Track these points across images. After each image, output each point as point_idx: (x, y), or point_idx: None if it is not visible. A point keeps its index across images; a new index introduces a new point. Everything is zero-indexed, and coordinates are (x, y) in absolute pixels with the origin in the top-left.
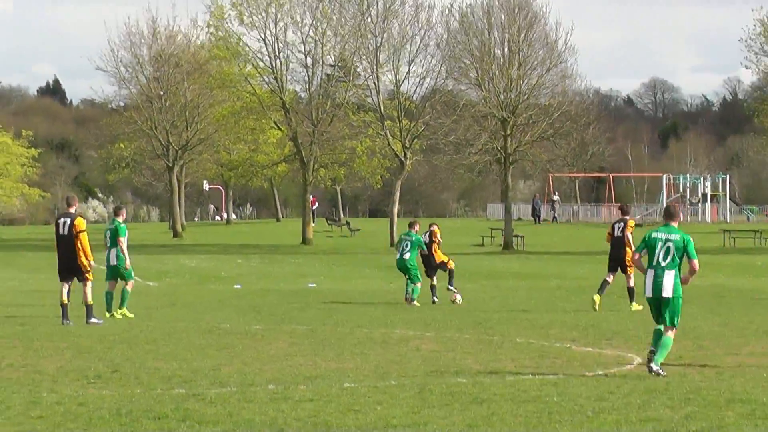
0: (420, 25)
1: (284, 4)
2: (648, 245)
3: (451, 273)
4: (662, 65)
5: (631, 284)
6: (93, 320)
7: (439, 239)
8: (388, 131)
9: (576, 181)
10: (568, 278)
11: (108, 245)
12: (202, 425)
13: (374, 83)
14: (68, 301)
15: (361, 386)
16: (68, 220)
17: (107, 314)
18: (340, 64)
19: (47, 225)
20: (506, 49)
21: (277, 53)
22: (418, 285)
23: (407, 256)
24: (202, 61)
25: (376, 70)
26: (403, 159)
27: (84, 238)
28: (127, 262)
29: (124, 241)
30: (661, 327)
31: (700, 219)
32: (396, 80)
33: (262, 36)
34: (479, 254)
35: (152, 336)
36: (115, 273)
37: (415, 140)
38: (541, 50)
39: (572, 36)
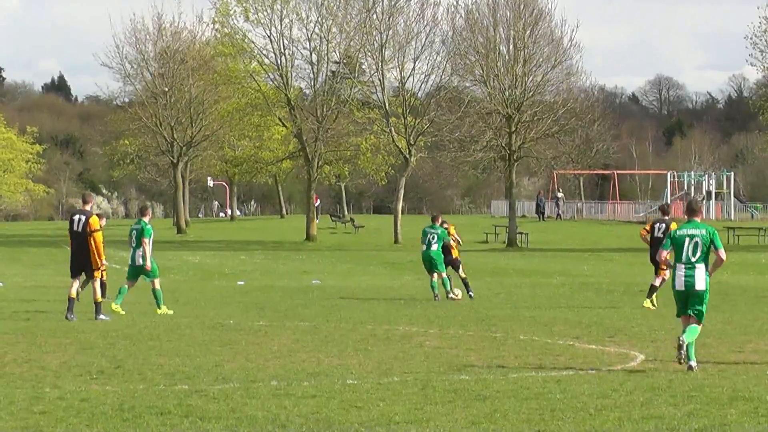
0: (425, 22)
1: (289, 0)
2: (675, 242)
3: (464, 280)
4: (667, 63)
5: (657, 283)
6: (101, 317)
7: (457, 237)
8: (392, 128)
9: (580, 179)
10: (572, 275)
11: (133, 245)
12: (204, 421)
13: (379, 80)
14: (76, 297)
15: (363, 383)
16: (83, 217)
17: (114, 305)
18: (345, 61)
19: (51, 221)
20: (511, 46)
21: (282, 50)
22: (444, 275)
23: (435, 247)
24: (207, 58)
25: (381, 66)
26: (407, 156)
27: (98, 237)
28: (148, 262)
29: (148, 242)
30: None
31: (704, 216)
32: (401, 77)
33: (268, 33)
34: (483, 251)
35: (155, 332)
36: (139, 272)
37: (420, 137)
38: (547, 47)
39: (578, 33)
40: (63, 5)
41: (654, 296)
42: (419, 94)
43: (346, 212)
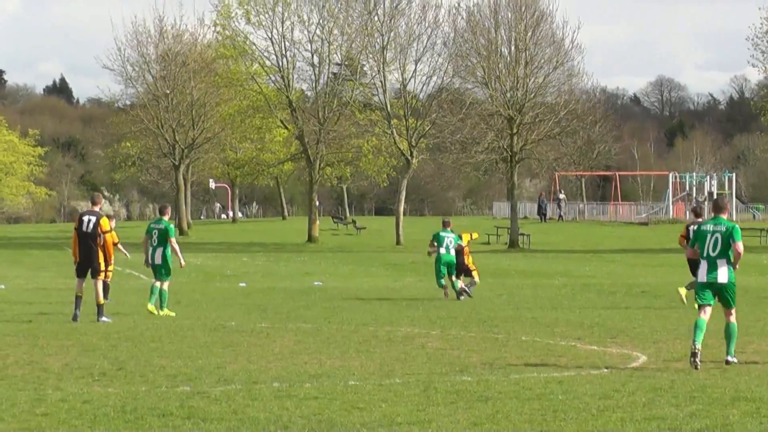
0: (427, 24)
1: (291, 2)
2: (698, 239)
3: (472, 283)
4: (669, 64)
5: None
6: (103, 319)
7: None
8: (394, 130)
9: (582, 180)
10: (574, 276)
11: (154, 244)
12: (206, 422)
13: (381, 82)
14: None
15: (365, 384)
16: (93, 218)
17: (164, 311)
18: (346, 63)
19: (53, 223)
20: (513, 48)
21: (283, 52)
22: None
23: (453, 252)
24: (208, 60)
25: (383, 68)
26: (409, 157)
27: (110, 239)
28: (182, 260)
29: (174, 240)
30: (703, 319)
31: (706, 217)
32: (403, 79)
33: (269, 35)
34: (485, 252)
35: (157, 334)
36: (156, 270)
37: (422, 139)
38: (548, 49)
39: (579, 34)
40: (64, 7)
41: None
42: (421, 96)
43: (347, 214)
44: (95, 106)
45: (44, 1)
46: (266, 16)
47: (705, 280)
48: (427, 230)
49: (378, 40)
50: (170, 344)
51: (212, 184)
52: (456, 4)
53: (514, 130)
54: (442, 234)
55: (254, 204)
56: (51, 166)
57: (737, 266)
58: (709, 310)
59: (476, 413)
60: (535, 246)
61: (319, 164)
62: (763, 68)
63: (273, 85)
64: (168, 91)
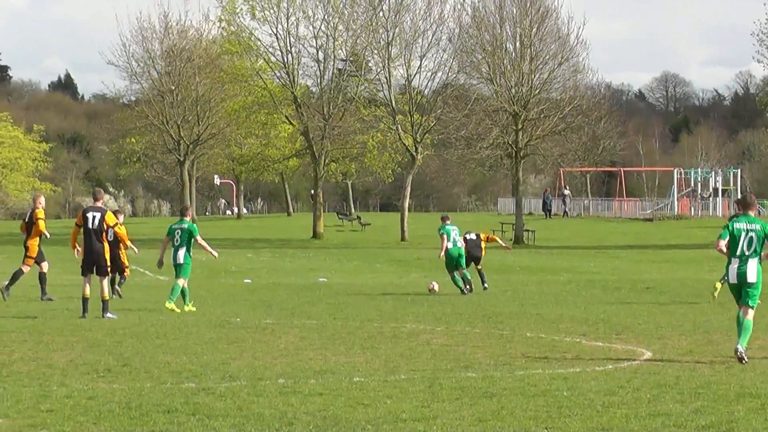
0: (432, 20)
1: None
2: (732, 235)
3: (480, 273)
4: (674, 59)
5: None
6: (108, 315)
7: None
8: (399, 126)
9: (587, 176)
10: (579, 272)
11: (177, 244)
12: (211, 419)
13: (386, 78)
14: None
15: (370, 380)
16: (98, 215)
17: (186, 307)
18: (351, 59)
19: (58, 219)
20: (518, 44)
21: (288, 48)
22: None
23: (460, 244)
24: (213, 56)
25: (388, 64)
26: (414, 153)
27: (120, 230)
28: (214, 252)
29: (200, 239)
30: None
31: (711, 213)
32: (407, 75)
33: (274, 30)
34: (490, 248)
35: (162, 330)
36: (176, 269)
37: (427, 135)
38: (553, 44)
39: (584, 30)
40: (69, 3)
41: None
42: (426, 92)
43: (352, 210)
44: (100, 102)
45: None
46: (271, 11)
47: (735, 281)
48: (432, 226)
49: (383, 35)
50: (175, 340)
51: (217, 180)
52: (461, 0)
53: (519, 126)
54: (449, 228)
55: (259, 200)
56: (56, 162)
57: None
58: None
59: (481, 409)
60: (540, 242)
61: (324, 160)
62: None
63: (278, 80)
64: (173, 87)
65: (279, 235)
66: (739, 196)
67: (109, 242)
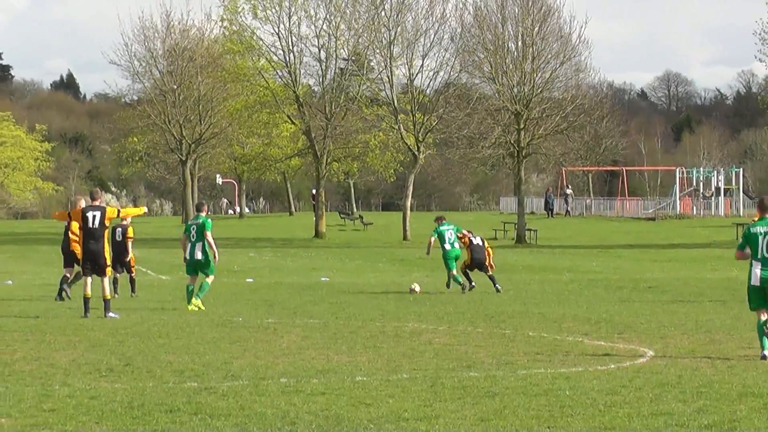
0: (434, 19)
1: None
2: (749, 241)
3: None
4: (676, 59)
5: None
6: (110, 314)
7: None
8: (401, 125)
9: (589, 175)
10: (581, 272)
11: (193, 240)
12: (214, 418)
13: (388, 77)
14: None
15: (373, 380)
16: (98, 214)
17: (190, 307)
18: (353, 58)
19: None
20: (520, 43)
21: (290, 47)
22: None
23: (458, 245)
24: (215, 55)
25: (390, 63)
26: (416, 153)
27: (126, 211)
28: (216, 254)
29: (210, 234)
30: (763, 318)
31: (713, 212)
32: (409, 74)
33: (276, 30)
34: (492, 248)
35: (164, 329)
36: (198, 267)
37: (429, 134)
38: (555, 44)
39: (586, 29)
40: (71, 3)
41: None
42: (428, 91)
43: (354, 209)
44: (102, 102)
45: None
46: (273, 11)
47: (758, 284)
48: (434, 226)
49: (385, 35)
50: (177, 340)
51: (219, 180)
52: None
53: (521, 125)
54: (442, 229)
55: (261, 199)
56: (58, 162)
57: None
58: (765, 312)
59: (483, 409)
60: (542, 241)
61: (326, 159)
62: None
63: (280, 80)
64: (175, 86)
65: (281, 234)
66: (758, 199)
67: (117, 242)
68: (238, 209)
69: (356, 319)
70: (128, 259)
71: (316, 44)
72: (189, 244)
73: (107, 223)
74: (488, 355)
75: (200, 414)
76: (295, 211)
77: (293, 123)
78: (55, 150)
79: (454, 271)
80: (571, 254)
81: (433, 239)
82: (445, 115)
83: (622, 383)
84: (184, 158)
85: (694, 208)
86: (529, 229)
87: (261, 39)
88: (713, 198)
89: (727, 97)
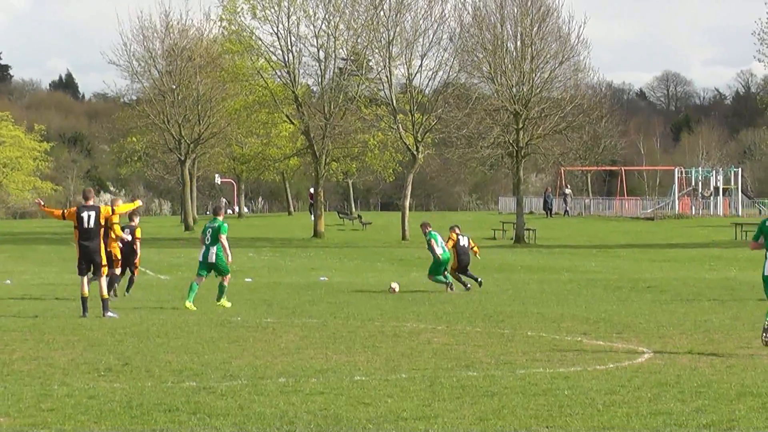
0: (433, 19)
1: None
2: (764, 232)
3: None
4: (675, 59)
5: None
6: (109, 314)
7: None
8: (400, 125)
9: (588, 175)
10: (580, 272)
11: (208, 242)
12: (212, 418)
13: (387, 77)
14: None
15: (371, 379)
16: (92, 213)
17: (187, 303)
18: (352, 58)
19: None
20: (519, 43)
21: (289, 47)
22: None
23: (447, 248)
24: (214, 55)
25: (389, 63)
26: (415, 152)
27: (121, 207)
28: (230, 257)
29: (224, 238)
30: None
31: (712, 212)
32: (408, 74)
33: (275, 30)
34: (491, 247)
35: (163, 329)
36: (212, 269)
37: (428, 134)
38: (554, 43)
39: (585, 29)
40: (70, 3)
41: None
42: (427, 91)
43: (353, 209)
44: (101, 101)
45: None
46: (272, 10)
47: None
48: (434, 225)
49: (384, 35)
50: (176, 339)
51: (218, 179)
52: None
53: (520, 125)
54: (434, 233)
55: (260, 199)
56: (57, 161)
57: None
58: None
59: (482, 408)
60: (540, 241)
61: (325, 159)
62: None
63: (279, 80)
64: (174, 86)
65: (280, 234)
66: None
67: (126, 242)
68: (237, 209)
69: (355, 318)
70: (136, 259)
71: (315, 44)
72: (204, 247)
73: (102, 222)
74: (487, 354)
75: (199, 413)
76: (294, 211)
77: (292, 123)
78: (54, 150)
79: (433, 277)
80: (569, 254)
81: (433, 242)
82: (443, 115)
83: (620, 383)
84: (183, 158)
85: (693, 208)
86: (528, 229)
87: (260, 39)
88: (712, 198)
89: (726, 97)
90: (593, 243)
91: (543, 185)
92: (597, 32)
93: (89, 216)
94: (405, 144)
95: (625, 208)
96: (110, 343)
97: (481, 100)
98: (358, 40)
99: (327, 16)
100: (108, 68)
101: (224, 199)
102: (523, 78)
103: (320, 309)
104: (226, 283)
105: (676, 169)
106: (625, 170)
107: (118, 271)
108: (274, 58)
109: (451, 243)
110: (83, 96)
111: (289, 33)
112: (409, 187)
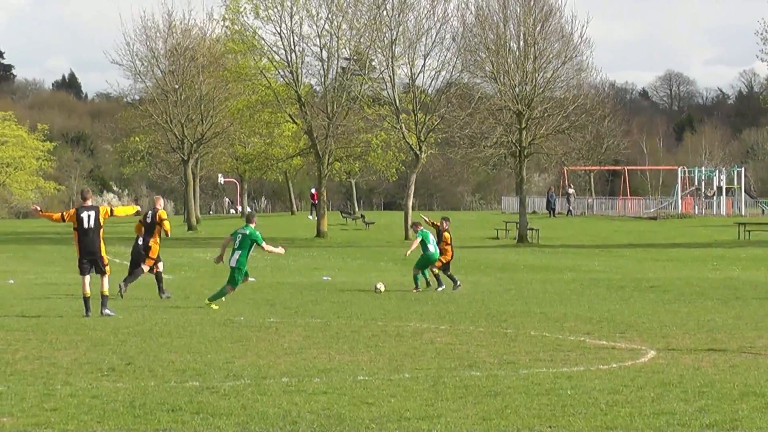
0: (435, 19)
1: None
2: None
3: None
4: (678, 58)
5: None
6: (106, 311)
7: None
8: (403, 124)
9: (591, 174)
10: (583, 271)
11: (236, 247)
12: (215, 418)
13: (389, 76)
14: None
15: (374, 379)
16: (92, 213)
17: (211, 305)
18: (355, 58)
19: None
20: (522, 42)
21: (292, 47)
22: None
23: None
24: (217, 55)
25: (392, 63)
26: (418, 152)
27: (119, 210)
28: (279, 250)
29: (265, 245)
30: None
31: (714, 212)
32: (411, 73)
33: (278, 29)
34: (494, 247)
35: (166, 329)
36: (230, 273)
37: (430, 133)
38: (557, 43)
39: (588, 29)
40: (73, 2)
41: None
42: (429, 91)
43: (356, 208)
44: (104, 101)
45: None
46: (275, 10)
47: None
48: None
49: (387, 34)
50: (179, 339)
51: (221, 179)
52: None
53: (523, 125)
54: (425, 231)
55: (263, 199)
56: (60, 161)
57: None
58: None
59: (485, 408)
60: (543, 241)
61: (328, 159)
62: None
63: (282, 80)
64: (177, 86)
65: (283, 233)
66: None
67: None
68: (240, 208)
69: (358, 318)
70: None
71: (318, 44)
72: (229, 250)
73: (102, 222)
74: (490, 354)
75: (202, 413)
76: (297, 210)
77: (295, 122)
78: (57, 149)
79: (417, 271)
80: (572, 254)
81: (418, 240)
82: (446, 115)
83: (623, 383)
84: (186, 158)
85: (696, 207)
86: (531, 229)
87: (263, 38)
88: (715, 197)
89: (729, 96)
90: (596, 243)
91: (546, 185)
92: (599, 32)
93: (89, 216)
94: (408, 144)
95: (628, 207)
96: (113, 342)
97: (484, 99)
98: (361, 40)
99: (330, 16)
100: (111, 68)
101: (227, 199)
102: (526, 78)
103: (323, 309)
104: (227, 289)
105: (679, 169)
106: (628, 170)
107: (146, 268)
108: (277, 57)
109: (445, 242)
110: (86, 95)
111: (292, 33)
112: (412, 187)
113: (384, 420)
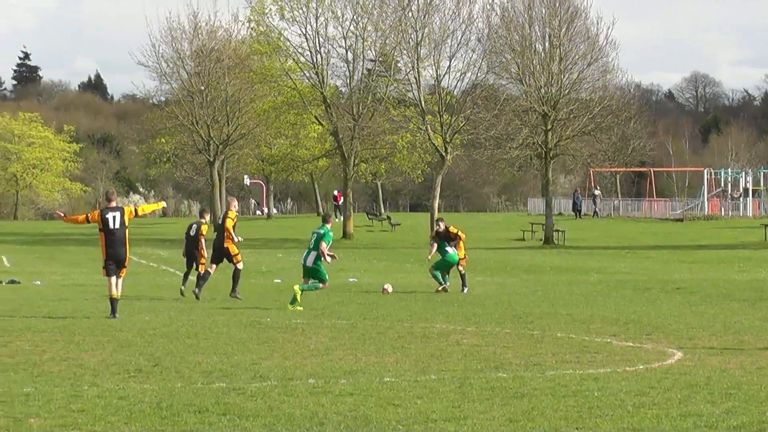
0: (461, 20)
1: None
2: None
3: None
4: (703, 59)
5: None
6: (115, 315)
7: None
8: (428, 126)
9: (617, 176)
10: (609, 273)
11: (310, 247)
12: (242, 419)
13: (415, 78)
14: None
15: (401, 380)
16: (117, 214)
17: (293, 307)
18: (380, 59)
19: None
20: (547, 44)
21: (317, 48)
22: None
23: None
24: (243, 56)
25: (417, 64)
26: (443, 153)
27: (145, 207)
28: (328, 258)
29: (325, 246)
30: None
31: (741, 213)
32: (437, 75)
33: (303, 31)
34: (520, 249)
35: (193, 330)
36: (309, 274)
37: (456, 135)
38: (582, 45)
39: (613, 30)
40: (98, 4)
41: None
42: (455, 92)
43: (382, 210)
44: (130, 102)
45: None
46: (300, 12)
47: None
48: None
49: (412, 36)
50: (206, 340)
51: (247, 180)
52: (490, 0)
53: (549, 126)
54: (440, 240)
55: (289, 200)
56: (86, 162)
57: None
58: None
59: (512, 410)
60: (570, 242)
61: (354, 160)
62: None
63: (307, 81)
64: (202, 88)
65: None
66: None
67: (191, 237)
68: (266, 210)
69: (384, 319)
70: (201, 256)
71: (343, 45)
72: (306, 250)
73: (127, 222)
74: (516, 356)
75: (229, 414)
76: (323, 211)
77: (321, 124)
78: (83, 151)
79: (434, 271)
80: (599, 255)
81: (435, 245)
82: (472, 116)
83: (650, 384)
84: (211, 159)
85: (722, 209)
86: (557, 230)
87: (288, 40)
88: (741, 199)
89: (755, 98)
90: (622, 244)
91: (572, 186)
92: (625, 33)
93: (114, 217)
94: (433, 145)
95: (654, 209)
96: (140, 344)
97: (510, 101)
98: (386, 41)
99: (355, 18)
100: (136, 69)
101: (253, 200)
102: (552, 79)
103: (349, 310)
104: (320, 285)
105: (706, 171)
106: (654, 171)
107: (240, 266)
108: (302, 59)
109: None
110: (112, 97)
111: (317, 34)
112: (438, 188)
113: (410, 422)
